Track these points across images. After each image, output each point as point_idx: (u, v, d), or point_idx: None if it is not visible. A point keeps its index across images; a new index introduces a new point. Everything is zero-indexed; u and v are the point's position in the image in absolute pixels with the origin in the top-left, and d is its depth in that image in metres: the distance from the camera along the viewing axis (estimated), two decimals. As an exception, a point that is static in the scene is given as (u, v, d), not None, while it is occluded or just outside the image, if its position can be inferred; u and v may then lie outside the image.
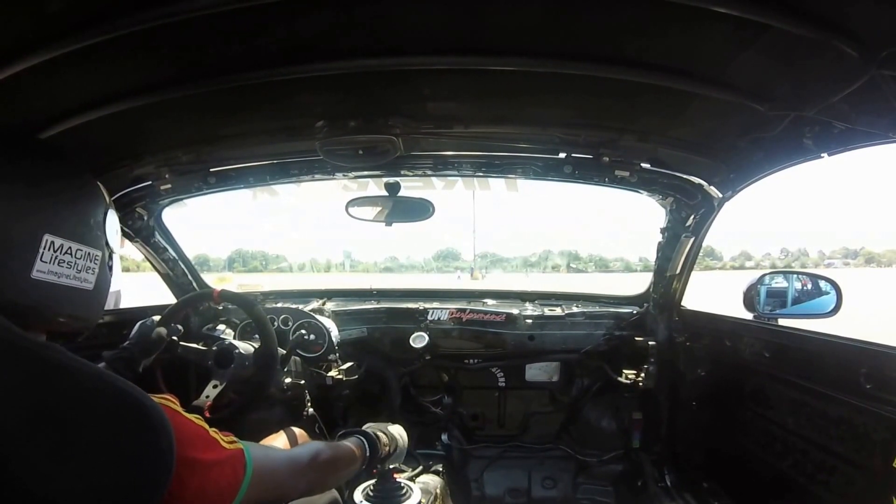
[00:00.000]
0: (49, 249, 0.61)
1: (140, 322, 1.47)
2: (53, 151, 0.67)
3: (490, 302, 2.17)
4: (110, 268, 0.72)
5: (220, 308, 1.87)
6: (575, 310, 2.07)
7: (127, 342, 1.40)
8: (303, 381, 1.62)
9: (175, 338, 1.49)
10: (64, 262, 0.62)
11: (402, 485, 1.26)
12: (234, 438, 0.68)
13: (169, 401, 0.62)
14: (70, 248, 0.63)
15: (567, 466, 2.11)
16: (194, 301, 1.70)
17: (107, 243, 0.69)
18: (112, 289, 0.76)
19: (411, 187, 1.75)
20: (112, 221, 0.71)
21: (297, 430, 1.23)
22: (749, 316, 1.57)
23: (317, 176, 1.63)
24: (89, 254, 0.66)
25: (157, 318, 1.50)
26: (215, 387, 1.42)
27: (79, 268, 0.64)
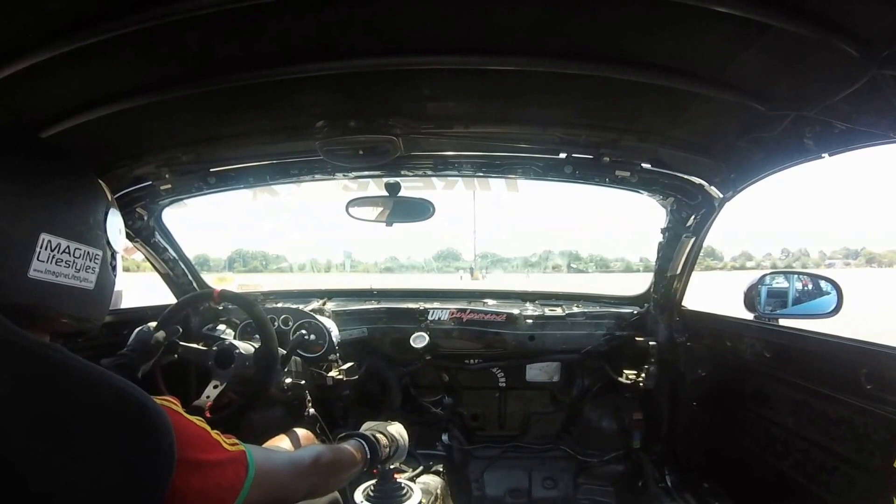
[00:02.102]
0: (46, 249, 0.60)
1: (138, 329, 1.46)
2: (52, 150, 0.67)
3: (490, 302, 2.17)
4: (113, 267, 0.71)
5: (221, 308, 1.87)
6: (575, 310, 2.07)
7: (125, 349, 1.40)
8: (303, 382, 1.62)
9: (175, 338, 1.49)
10: (62, 261, 0.62)
11: (403, 485, 1.26)
12: (237, 441, 0.68)
13: (170, 402, 0.62)
14: (68, 247, 0.62)
15: (567, 467, 2.11)
16: (194, 301, 1.70)
17: (108, 242, 0.69)
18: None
19: (411, 187, 1.75)
20: (114, 220, 0.70)
21: (301, 431, 1.23)
22: (750, 316, 1.57)
23: (317, 176, 1.63)
24: (89, 253, 0.65)
25: (153, 324, 1.50)
26: (216, 387, 1.42)
27: (78, 267, 0.64)
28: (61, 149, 0.68)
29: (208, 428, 0.65)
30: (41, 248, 0.60)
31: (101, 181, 0.70)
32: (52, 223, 0.61)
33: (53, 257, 0.61)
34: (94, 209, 0.67)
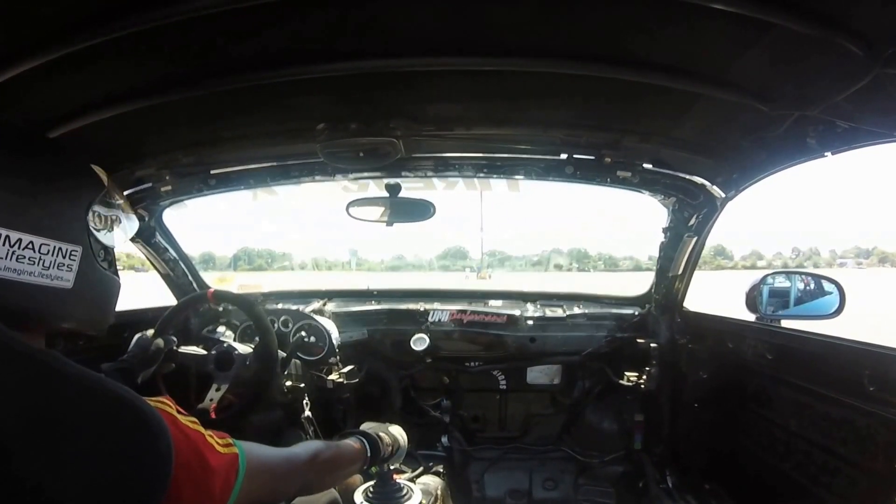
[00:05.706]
0: (4, 244, 0.57)
1: (138, 335, 1.44)
2: (22, 144, 0.63)
3: (491, 303, 2.16)
4: (109, 263, 0.68)
5: (220, 309, 1.87)
6: (576, 311, 2.06)
7: (126, 354, 1.38)
8: (303, 385, 1.62)
9: (172, 347, 1.47)
10: (24, 257, 0.58)
11: (403, 486, 1.26)
12: (230, 441, 0.68)
13: (165, 404, 0.61)
14: (31, 242, 0.58)
15: (568, 468, 2.11)
16: (189, 305, 1.68)
17: (91, 237, 0.65)
18: None
19: (412, 188, 1.75)
20: (104, 212, 0.67)
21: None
22: (751, 317, 1.56)
23: (317, 177, 1.62)
24: (61, 249, 0.61)
25: (151, 331, 1.48)
26: (217, 390, 1.43)
27: (46, 264, 0.60)
28: (40, 143, 0.65)
29: (202, 429, 0.65)
30: None
31: (96, 169, 0.66)
32: (11, 218, 0.58)
33: (13, 253, 0.57)
34: (70, 202, 0.64)
